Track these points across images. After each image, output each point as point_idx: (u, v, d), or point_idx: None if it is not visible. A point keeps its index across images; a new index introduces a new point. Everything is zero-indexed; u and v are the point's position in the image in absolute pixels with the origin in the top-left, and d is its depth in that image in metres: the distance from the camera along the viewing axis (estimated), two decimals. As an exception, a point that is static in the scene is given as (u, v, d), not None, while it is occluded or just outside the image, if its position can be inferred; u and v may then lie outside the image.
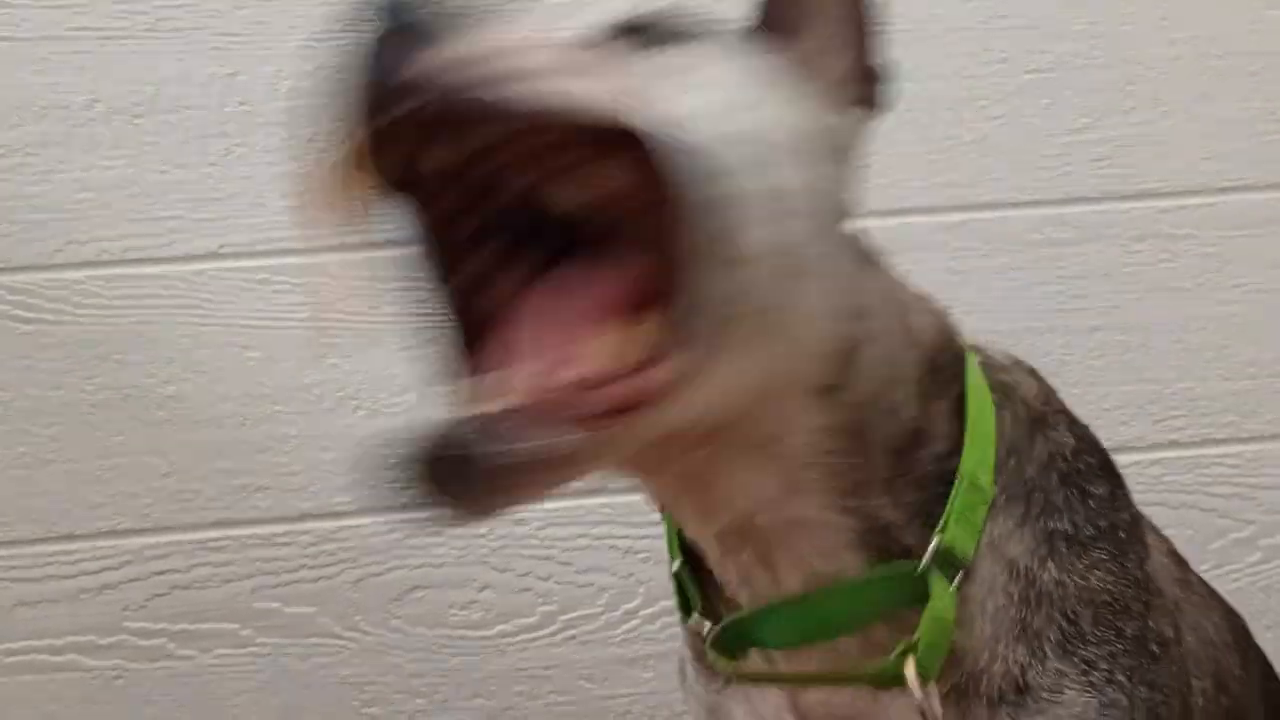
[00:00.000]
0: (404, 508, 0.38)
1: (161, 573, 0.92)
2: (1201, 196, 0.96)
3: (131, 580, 0.92)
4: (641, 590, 0.95)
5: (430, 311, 0.44)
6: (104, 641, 0.92)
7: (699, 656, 0.57)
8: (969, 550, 0.49)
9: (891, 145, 0.95)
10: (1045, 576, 0.50)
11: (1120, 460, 0.56)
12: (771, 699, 0.54)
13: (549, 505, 0.93)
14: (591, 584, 0.95)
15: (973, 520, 0.49)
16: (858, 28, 0.50)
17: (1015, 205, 0.95)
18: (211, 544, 0.92)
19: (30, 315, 0.89)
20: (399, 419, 0.79)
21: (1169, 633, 0.53)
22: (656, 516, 0.56)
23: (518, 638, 0.95)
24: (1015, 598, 0.50)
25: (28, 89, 0.88)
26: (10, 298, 0.89)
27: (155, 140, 0.89)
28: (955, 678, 0.50)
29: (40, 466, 0.91)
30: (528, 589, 0.94)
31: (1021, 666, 0.49)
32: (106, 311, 0.90)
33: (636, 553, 0.94)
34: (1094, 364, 0.96)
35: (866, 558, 0.49)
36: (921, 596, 0.48)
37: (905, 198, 0.93)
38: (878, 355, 0.48)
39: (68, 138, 0.88)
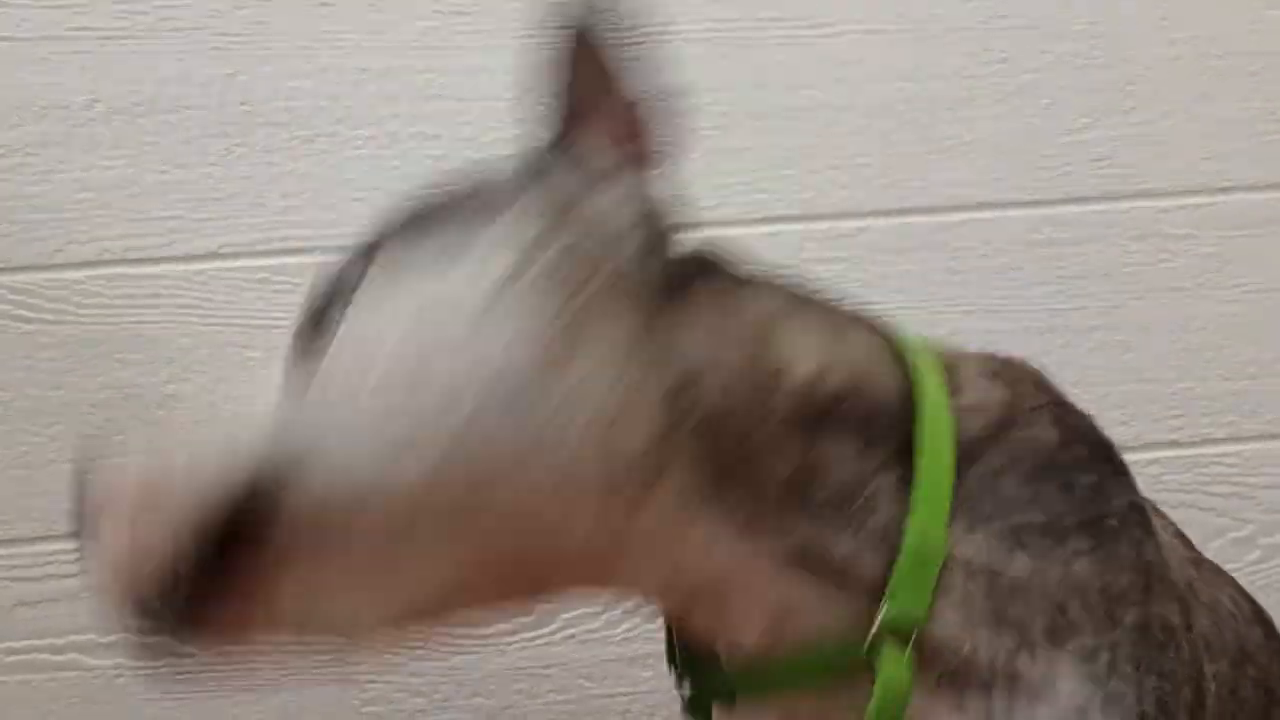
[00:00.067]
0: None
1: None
2: (1201, 196, 0.96)
3: (132, 580, 0.92)
4: (641, 590, 0.95)
5: None
6: (105, 641, 0.92)
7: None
8: (922, 610, 0.48)
9: (891, 145, 0.96)
10: (1015, 568, 0.50)
11: (1119, 460, 0.56)
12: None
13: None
14: (591, 583, 0.95)
15: (924, 580, 0.49)
16: (613, 87, 0.50)
17: (1015, 205, 0.95)
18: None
19: (30, 315, 0.89)
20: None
21: (1175, 619, 0.52)
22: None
23: (517, 637, 0.95)
24: (980, 591, 0.49)
25: (28, 89, 0.88)
26: (10, 298, 0.89)
27: (155, 140, 0.89)
28: (942, 667, 0.49)
29: (41, 466, 0.91)
30: (528, 588, 0.95)
31: (1009, 654, 0.49)
32: (107, 311, 0.90)
33: (636, 552, 0.94)
34: (1093, 363, 0.96)
35: (824, 606, 0.49)
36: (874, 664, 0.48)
37: (905, 198, 0.93)
38: (720, 405, 0.48)
39: (68, 138, 0.88)
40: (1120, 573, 0.51)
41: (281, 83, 0.89)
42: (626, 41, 0.49)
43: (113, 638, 0.92)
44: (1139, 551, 0.52)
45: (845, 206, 0.93)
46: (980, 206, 0.94)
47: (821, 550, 0.49)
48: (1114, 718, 0.48)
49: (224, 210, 0.90)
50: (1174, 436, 0.97)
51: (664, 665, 0.58)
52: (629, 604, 0.53)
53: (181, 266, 0.90)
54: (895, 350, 0.53)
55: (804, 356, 0.50)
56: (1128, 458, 0.55)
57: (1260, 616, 0.63)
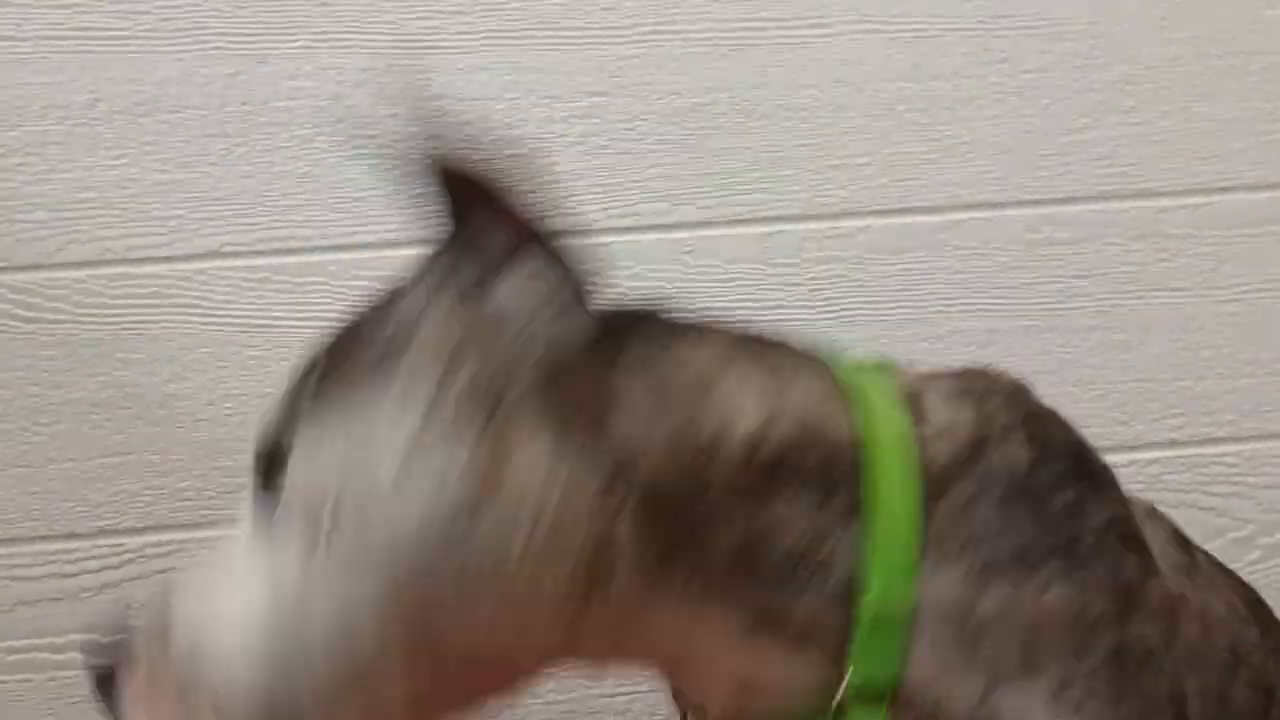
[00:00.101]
0: None
1: (163, 571, 0.92)
2: (1200, 196, 0.96)
3: (133, 579, 0.92)
4: (641, 589, 0.95)
5: None
6: (105, 640, 0.92)
7: None
8: (890, 673, 0.48)
9: (891, 145, 0.96)
10: (986, 604, 0.49)
11: (1119, 459, 0.55)
12: None
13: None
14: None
15: (888, 643, 0.48)
16: (488, 185, 0.49)
17: (1015, 205, 0.95)
18: (213, 543, 0.92)
19: (30, 315, 0.89)
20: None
21: (1153, 640, 0.51)
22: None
23: (518, 636, 0.95)
24: (951, 633, 0.49)
25: (28, 89, 0.88)
26: (11, 297, 0.89)
27: (156, 140, 0.89)
28: (914, 714, 0.49)
29: (41, 465, 0.91)
30: (528, 588, 0.95)
31: (982, 694, 0.48)
32: (107, 311, 0.90)
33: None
34: (1092, 363, 0.96)
35: (789, 671, 0.49)
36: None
37: (905, 198, 0.93)
38: (662, 473, 0.48)
39: (68, 138, 0.88)
40: (1095, 597, 0.50)
41: (281, 83, 0.89)
42: (485, 145, 0.49)
43: (115, 637, 0.92)
44: (1115, 572, 0.51)
45: (845, 206, 0.93)
46: (980, 206, 0.94)
47: (782, 614, 0.48)
48: None
49: (224, 210, 0.90)
50: (1173, 436, 0.98)
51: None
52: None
53: (182, 266, 0.90)
54: (846, 390, 0.51)
55: (744, 412, 0.49)
56: (1127, 457, 0.55)
57: (1258, 614, 0.61)
